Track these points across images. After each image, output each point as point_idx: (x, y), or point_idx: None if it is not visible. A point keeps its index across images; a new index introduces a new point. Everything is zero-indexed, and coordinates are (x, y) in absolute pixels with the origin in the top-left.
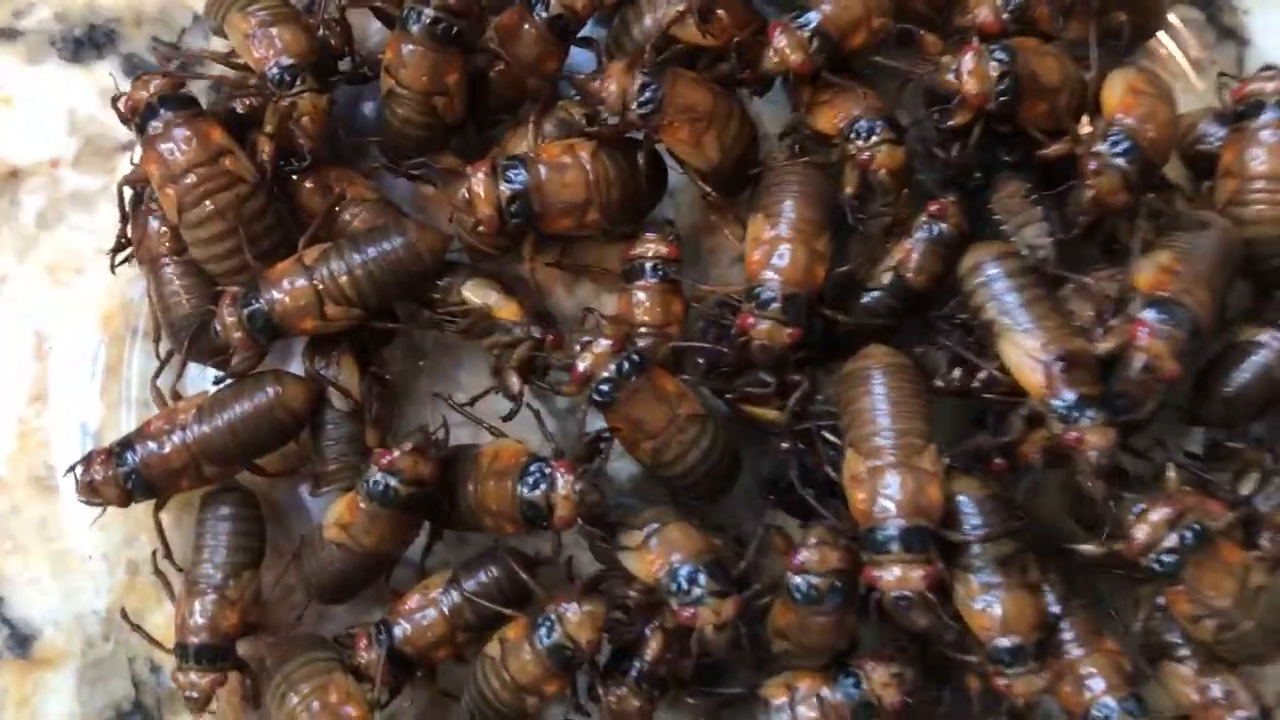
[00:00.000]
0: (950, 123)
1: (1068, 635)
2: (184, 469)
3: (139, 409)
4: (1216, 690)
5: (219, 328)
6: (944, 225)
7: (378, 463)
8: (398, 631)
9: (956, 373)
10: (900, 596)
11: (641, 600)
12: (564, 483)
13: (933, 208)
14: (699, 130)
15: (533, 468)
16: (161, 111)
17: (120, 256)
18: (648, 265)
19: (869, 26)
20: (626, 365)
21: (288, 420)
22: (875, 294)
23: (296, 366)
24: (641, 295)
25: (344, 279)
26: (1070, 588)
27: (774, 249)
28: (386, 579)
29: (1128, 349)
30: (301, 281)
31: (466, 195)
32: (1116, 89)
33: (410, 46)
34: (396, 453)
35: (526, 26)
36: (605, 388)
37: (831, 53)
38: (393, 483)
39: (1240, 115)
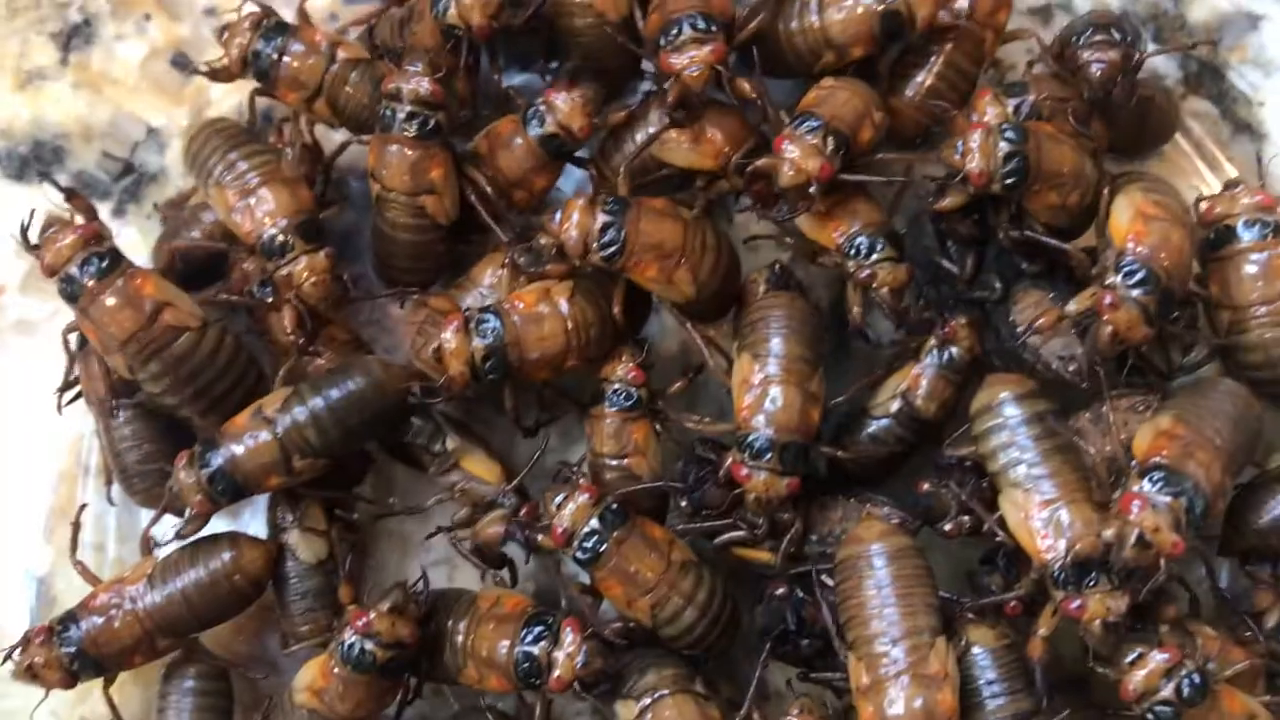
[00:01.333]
0: (944, 203)
1: None
2: (136, 644)
3: (92, 552)
4: None
5: (175, 488)
6: (955, 349)
7: (353, 625)
8: None
9: (966, 519)
10: None
11: None
12: (570, 641)
13: (943, 331)
14: (669, 267)
15: (538, 619)
16: (82, 279)
17: (68, 396)
18: (610, 390)
19: (872, 121)
20: (609, 516)
21: (247, 588)
22: (883, 423)
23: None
24: (608, 423)
25: (308, 428)
26: None
27: (765, 392)
28: None
29: (1122, 526)
30: (264, 435)
31: (436, 352)
32: (1124, 215)
33: (391, 146)
34: (373, 614)
35: (519, 139)
36: (589, 543)
37: (847, 151)
38: (369, 646)
39: (1215, 244)
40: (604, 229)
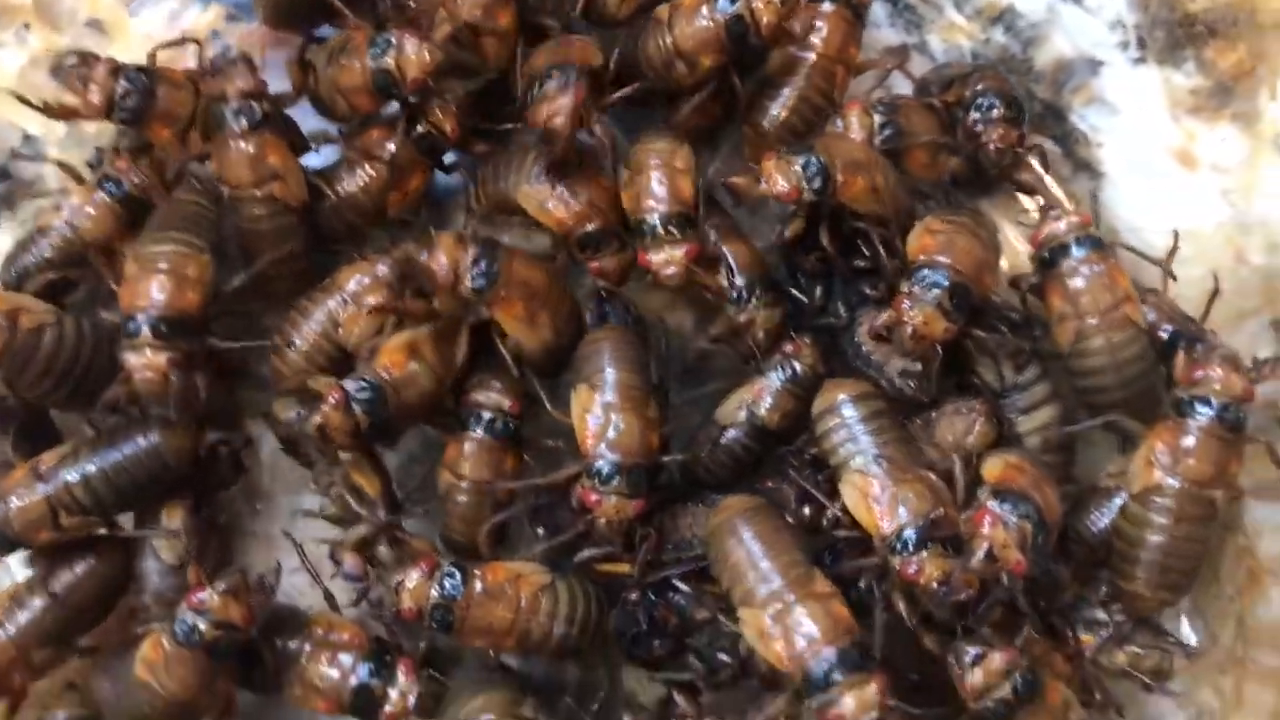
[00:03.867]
0: (788, 232)
1: None
2: None
3: None
4: None
5: None
6: (798, 364)
7: (188, 600)
8: None
9: (806, 510)
10: None
11: None
12: (404, 683)
13: (787, 348)
14: (534, 308)
15: (372, 656)
16: None
17: None
18: (485, 417)
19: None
20: (448, 585)
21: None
22: (730, 433)
23: None
24: (471, 448)
25: (78, 488)
26: None
27: (607, 420)
28: None
29: (972, 537)
30: (36, 493)
31: (321, 421)
32: (914, 238)
33: (229, 146)
34: (208, 592)
35: (390, 144)
36: (438, 617)
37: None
38: (199, 623)
39: (1049, 263)
40: (476, 260)
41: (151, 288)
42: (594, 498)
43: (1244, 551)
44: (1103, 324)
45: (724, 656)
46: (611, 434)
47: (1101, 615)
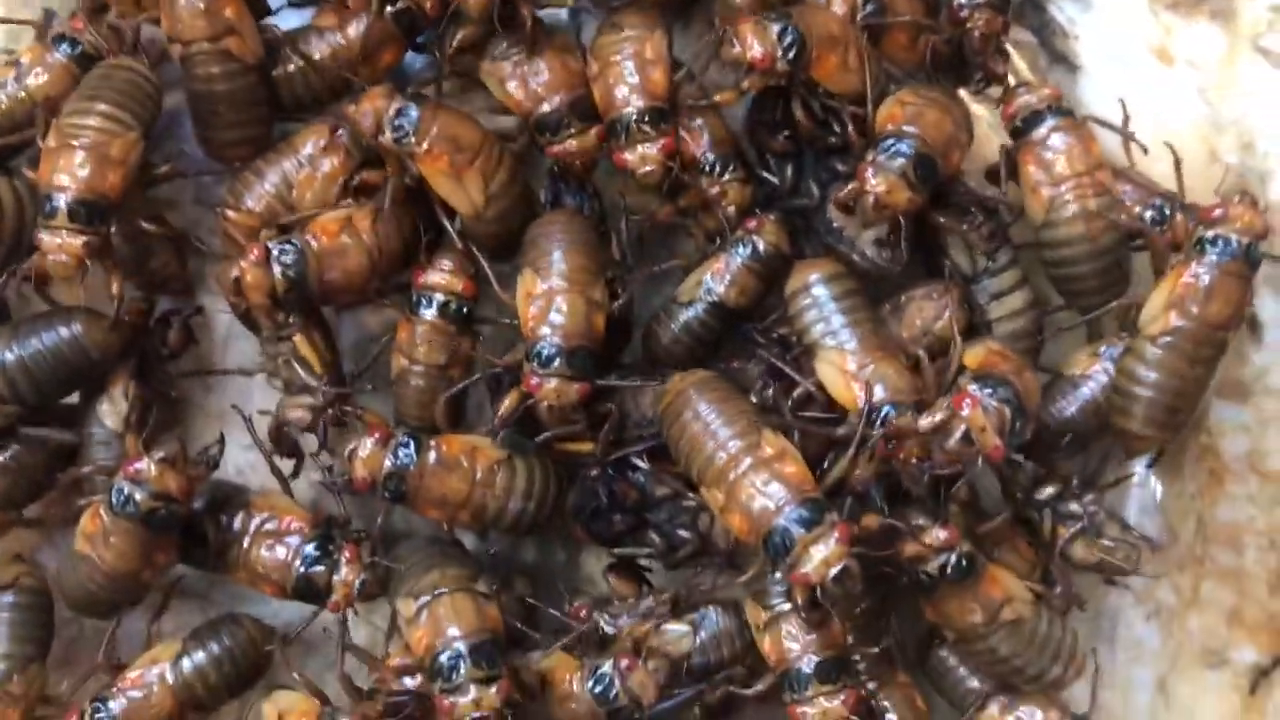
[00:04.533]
0: (745, 85)
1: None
2: None
3: None
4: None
5: None
6: (760, 241)
7: (124, 470)
8: (115, 707)
9: (769, 391)
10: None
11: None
12: (347, 570)
13: (750, 224)
14: (461, 163)
15: (316, 542)
16: None
17: None
18: (437, 299)
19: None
20: (401, 453)
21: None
22: (689, 310)
23: None
24: (423, 330)
25: None
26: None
27: (550, 303)
28: (107, 646)
29: (950, 419)
30: None
31: (235, 282)
32: (883, 109)
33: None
34: (145, 461)
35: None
36: (391, 486)
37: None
38: (135, 494)
39: (1022, 130)
40: (399, 112)
41: (73, 165)
42: (534, 380)
43: (1206, 450)
44: (1077, 191)
45: (683, 533)
46: (554, 317)
47: (1075, 507)
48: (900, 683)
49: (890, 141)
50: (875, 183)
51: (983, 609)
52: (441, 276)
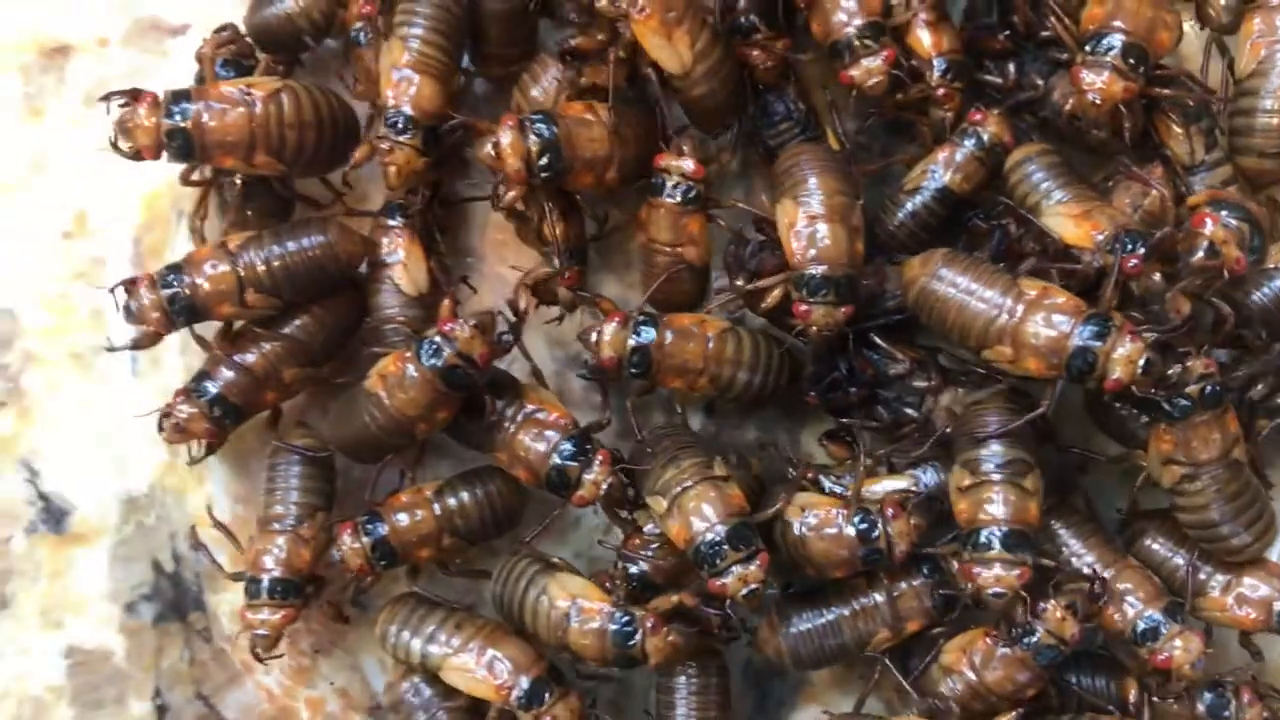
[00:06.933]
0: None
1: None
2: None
3: None
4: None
5: (134, 308)
6: (984, 133)
7: (439, 325)
8: (385, 526)
9: (1003, 247)
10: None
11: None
12: (598, 471)
13: (975, 116)
14: (671, 23)
15: (574, 440)
16: None
17: None
18: (669, 182)
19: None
20: (641, 330)
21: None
22: (916, 198)
23: None
24: (658, 213)
25: (261, 268)
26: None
27: (814, 232)
28: (373, 488)
29: (1193, 237)
30: (224, 266)
31: (493, 150)
32: (1085, 11)
33: None
34: (459, 323)
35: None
36: (636, 360)
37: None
38: (443, 348)
39: None
40: None
41: (411, 90)
42: (803, 308)
43: None
44: None
45: (910, 411)
46: (819, 245)
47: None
48: (1132, 565)
49: (1095, 38)
50: (1090, 81)
51: (1222, 440)
52: (671, 160)
